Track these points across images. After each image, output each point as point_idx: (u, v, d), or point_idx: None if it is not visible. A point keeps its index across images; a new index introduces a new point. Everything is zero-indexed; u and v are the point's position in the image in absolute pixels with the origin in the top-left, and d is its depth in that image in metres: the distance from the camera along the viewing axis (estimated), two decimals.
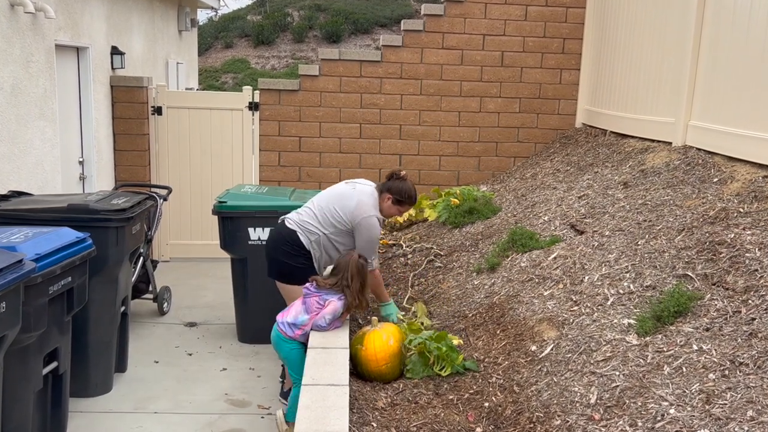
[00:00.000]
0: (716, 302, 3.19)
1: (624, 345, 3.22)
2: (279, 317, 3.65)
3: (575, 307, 3.73)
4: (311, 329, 3.56)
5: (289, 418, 3.64)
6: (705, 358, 2.90)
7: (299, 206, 4.70)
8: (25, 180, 5.25)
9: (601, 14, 6.74)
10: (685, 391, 2.77)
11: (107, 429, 3.89)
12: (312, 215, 3.94)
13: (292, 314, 3.61)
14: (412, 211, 6.47)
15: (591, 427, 2.83)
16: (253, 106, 7.06)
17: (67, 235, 3.63)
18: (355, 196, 3.90)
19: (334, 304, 3.55)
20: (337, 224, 3.90)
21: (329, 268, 3.90)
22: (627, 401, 2.87)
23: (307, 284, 3.66)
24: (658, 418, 2.69)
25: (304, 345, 3.52)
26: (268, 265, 4.11)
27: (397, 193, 3.99)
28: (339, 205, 3.90)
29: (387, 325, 3.86)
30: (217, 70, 23.62)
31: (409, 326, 3.96)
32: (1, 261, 2.93)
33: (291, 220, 3.98)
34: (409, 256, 5.66)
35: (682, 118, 5.04)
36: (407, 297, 4.89)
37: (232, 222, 4.93)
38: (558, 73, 7.15)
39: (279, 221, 4.07)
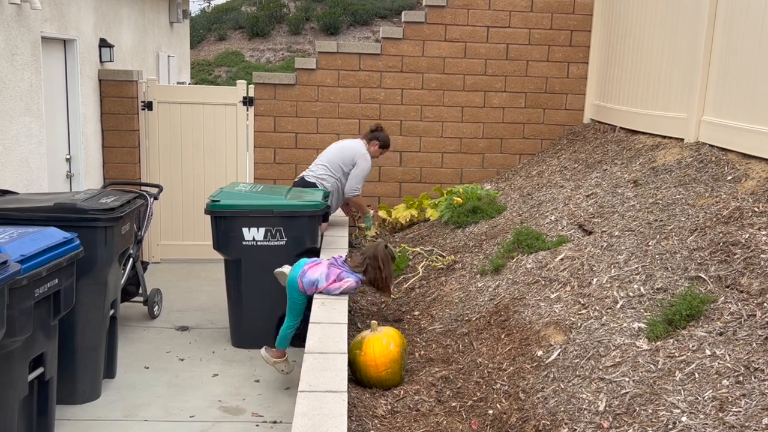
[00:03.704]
0: (730, 305, 3.13)
1: (634, 350, 3.18)
2: (306, 268, 4.15)
3: (583, 311, 3.68)
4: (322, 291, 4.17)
5: (278, 345, 4.29)
6: (718, 363, 2.86)
7: (296, 205, 4.72)
8: (9, 178, 5.18)
9: (610, 5, 6.67)
10: (697, 398, 2.73)
11: None
12: (325, 168, 5.60)
13: (316, 274, 4.11)
14: (414, 211, 6.46)
15: None
16: (247, 101, 6.99)
17: (53, 235, 3.58)
18: (349, 145, 5.71)
19: (351, 283, 4.10)
20: (344, 167, 5.61)
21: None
22: (637, 408, 2.83)
23: (337, 256, 4.27)
24: (670, 426, 2.65)
25: (311, 298, 4.12)
26: None
27: (383, 140, 5.79)
28: (340, 155, 5.64)
29: (387, 329, 3.83)
30: (210, 63, 23.48)
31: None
32: None
33: (310, 175, 5.61)
34: (410, 257, 5.61)
35: (694, 113, 4.96)
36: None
37: (225, 222, 4.86)
38: (565, 67, 7.03)
39: (298, 178, 5.72)
